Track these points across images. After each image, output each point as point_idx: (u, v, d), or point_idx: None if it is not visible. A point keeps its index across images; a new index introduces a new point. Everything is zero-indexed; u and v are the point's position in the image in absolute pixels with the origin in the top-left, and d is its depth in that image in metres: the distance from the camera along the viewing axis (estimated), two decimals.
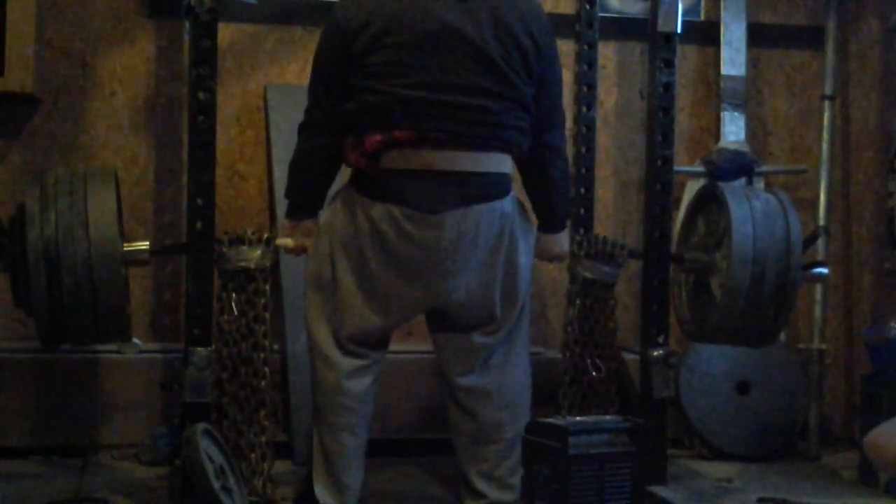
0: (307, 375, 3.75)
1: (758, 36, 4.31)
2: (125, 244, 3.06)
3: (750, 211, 3.26)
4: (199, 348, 3.15)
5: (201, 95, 3.16)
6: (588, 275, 3.51)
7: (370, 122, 2.87)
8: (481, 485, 3.05)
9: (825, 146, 4.22)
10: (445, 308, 3.00)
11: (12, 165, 3.88)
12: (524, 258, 3.04)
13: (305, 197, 3.05)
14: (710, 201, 3.45)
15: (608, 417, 2.91)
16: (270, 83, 4.03)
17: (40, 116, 3.89)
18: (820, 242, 4.17)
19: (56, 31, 3.90)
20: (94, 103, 3.94)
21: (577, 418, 2.89)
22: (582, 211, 3.89)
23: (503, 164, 2.96)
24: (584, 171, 3.91)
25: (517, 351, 3.09)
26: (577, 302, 3.52)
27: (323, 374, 3.02)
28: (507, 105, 2.89)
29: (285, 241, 3.12)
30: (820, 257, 4.03)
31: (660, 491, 3.15)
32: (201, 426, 2.99)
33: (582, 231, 3.78)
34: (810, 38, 4.35)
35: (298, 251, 3.11)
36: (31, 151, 3.89)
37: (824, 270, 3.51)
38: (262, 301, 3.19)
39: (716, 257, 3.38)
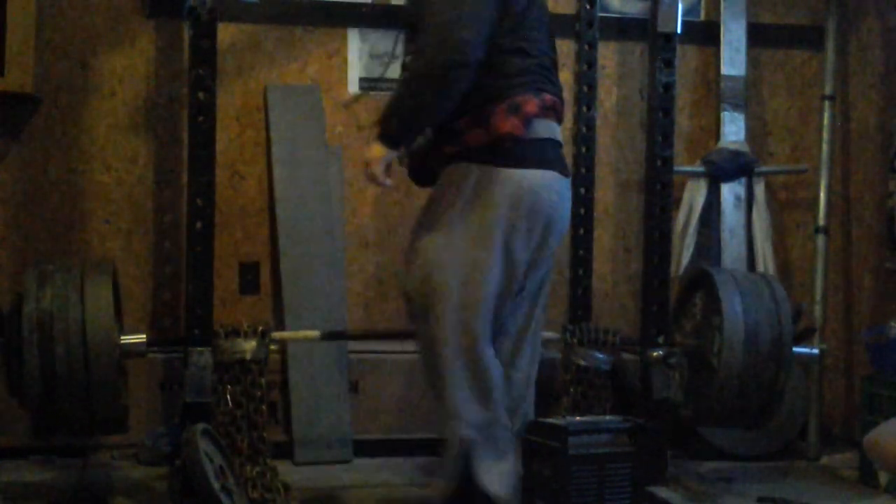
0: (307, 375, 3.76)
1: (758, 36, 4.31)
2: (122, 336, 3.03)
3: (734, 280, 3.32)
4: (199, 348, 3.15)
5: (201, 95, 3.17)
6: (581, 362, 3.51)
7: (523, 85, 2.89)
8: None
9: (825, 146, 4.22)
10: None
11: (12, 165, 3.88)
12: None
13: (415, 132, 2.88)
14: (693, 291, 3.45)
15: (608, 417, 2.92)
16: (270, 83, 4.03)
17: (40, 116, 3.88)
18: (820, 243, 4.17)
19: (56, 31, 3.89)
20: (94, 103, 3.93)
21: (577, 418, 2.89)
22: (582, 211, 3.89)
23: None
24: (584, 171, 3.91)
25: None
26: (571, 390, 3.51)
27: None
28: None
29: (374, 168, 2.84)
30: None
31: (660, 491, 3.15)
32: (201, 426, 2.99)
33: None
34: (810, 38, 4.34)
35: (377, 178, 2.86)
36: (31, 151, 3.89)
37: (815, 351, 3.48)
38: (259, 393, 3.21)
39: (709, 334, 3.34)
